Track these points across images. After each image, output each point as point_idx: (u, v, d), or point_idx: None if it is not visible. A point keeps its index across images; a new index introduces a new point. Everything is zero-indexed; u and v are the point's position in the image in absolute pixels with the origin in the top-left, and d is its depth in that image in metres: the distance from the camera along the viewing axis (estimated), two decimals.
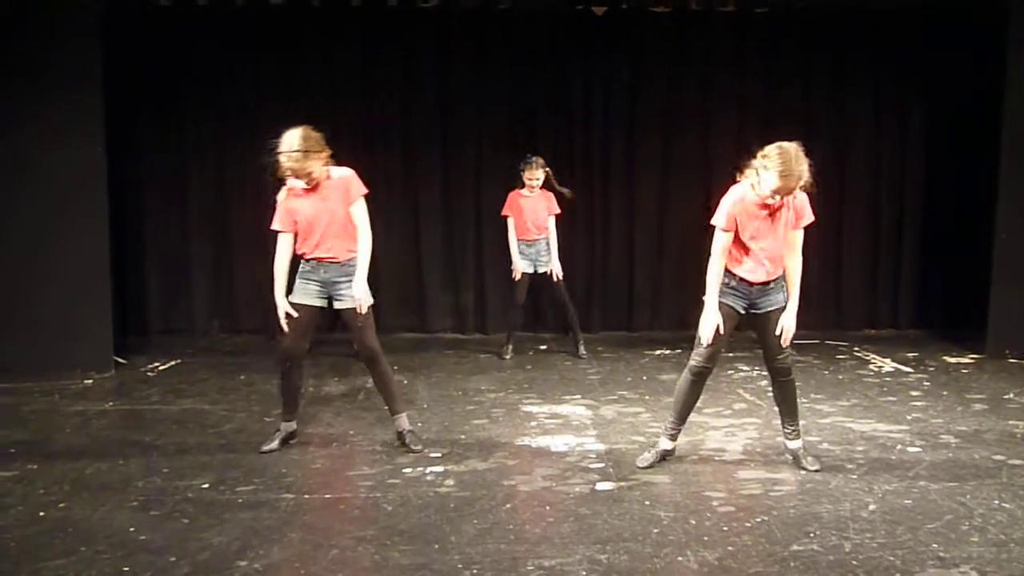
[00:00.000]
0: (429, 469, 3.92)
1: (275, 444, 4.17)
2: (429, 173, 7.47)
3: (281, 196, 4.08)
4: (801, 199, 3.77)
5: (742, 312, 3.81)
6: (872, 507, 3.43)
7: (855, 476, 3.79)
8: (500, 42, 7.36)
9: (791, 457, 3.96)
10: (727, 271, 3.78)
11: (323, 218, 3.99)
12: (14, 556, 3.04)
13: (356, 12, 7.05)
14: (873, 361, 6.39)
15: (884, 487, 3.65)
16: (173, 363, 6.32)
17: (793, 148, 3.59)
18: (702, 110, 7.52)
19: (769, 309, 3.79)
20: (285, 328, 4.04)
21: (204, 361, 6.37)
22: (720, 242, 3.75)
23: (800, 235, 3.80)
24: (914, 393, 5.38)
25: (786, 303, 3.79)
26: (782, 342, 3.76)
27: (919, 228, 7.67)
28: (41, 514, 3.40)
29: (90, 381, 5.67)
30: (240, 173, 7.34)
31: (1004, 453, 4.13)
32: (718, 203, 3.84)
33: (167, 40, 7.04)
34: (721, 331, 3.73)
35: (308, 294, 4.07)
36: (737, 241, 3.75)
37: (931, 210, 7.63)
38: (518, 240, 6.33)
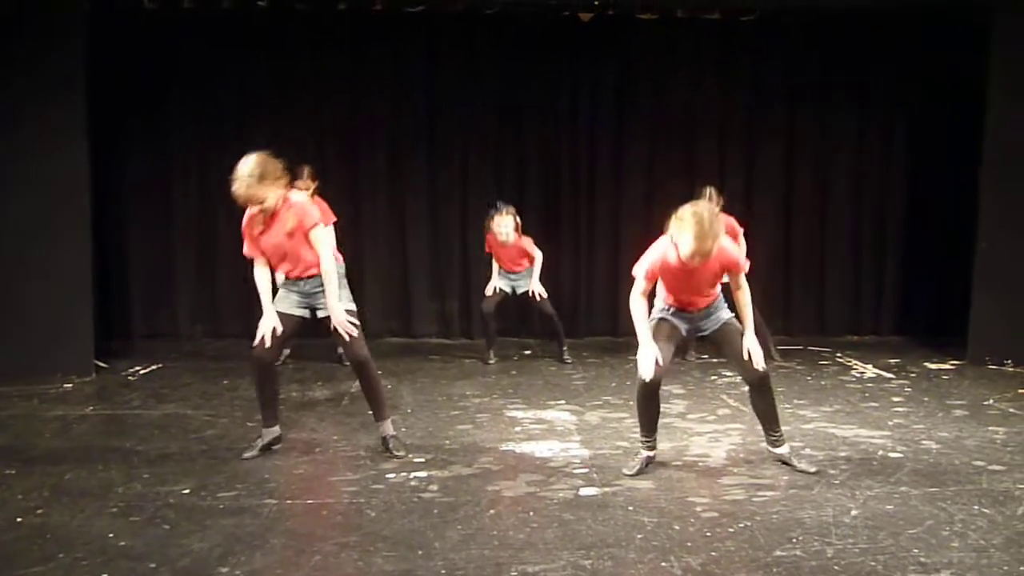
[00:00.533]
0: (413, 474, 3.90)
1: (255, 451, 4.12)
2: (416, 179, 7.47)
3: (245, 221, 4.03)
4: (725, 253, 3.70)
5: (685, 333, 3.89)
6: (854, 513, 3.45)
7: (837, 482, 3.81)
8: (487, 48, 7.38)
9: (783, 463, 3.98)
10: (663, 299, 3.85)
11: (286, 244, 3.97)
12: None
13: (343, 16, 7.05)
14: (855, 367, 6.43)
15: (866, 493, 3.67)
16: (155, 367, 6.27)
17: (707, 210, 3.56)
18: (688, 116, 7.57)
19: (715, 328, 3.86)
20: (264, 339, 3.99)
21: (187, 366, 6.32)
22: (639, 287, 3.80)
23: (740, 278, 3.84)
24: (896, 399, 5.42)
25: (731, 315, 3.85)
26: (755, 365, 3.79)
27: (901, 235, 7.75)
28: (19, 520, 3.36)
29: (70, 385, 5.62)
30: (225, 177, 7.21)
31: (984, 459, 4.16)
32: None
33: (153, 44, 7.01)
34: (660, 361, 3.72)
35: (290, 303, 4.06)
36: (664, 282, 3.81)
37: (913, 218, 7.71)
38: (500, 269, 6.43)
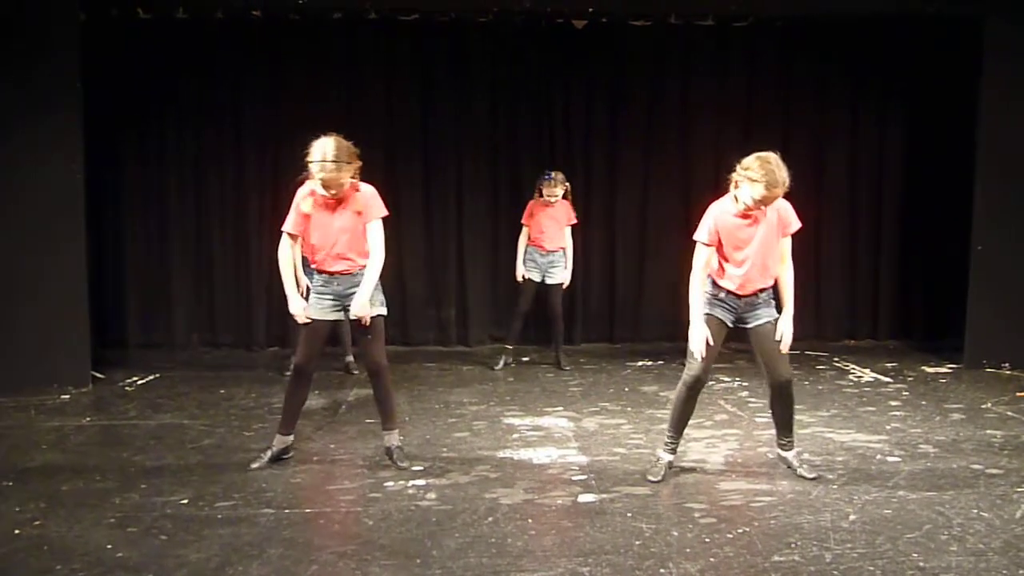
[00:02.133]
0: (411, 483, 3.89)
1: (264, 461, 4.06)
2: (411, 186, 7.47)
3: (303, 202, 3.97)
4: (785, 207, 3.81)
5: (730, 325, 3.83)
6: (852, 517, 3.45)
7: (835, 486, 3.82)
8: (481, 56, 7.39)
9: (786, 465, 3.99)
10: (714, 284, 3.80)
11: (342, 230, 3.93)
12: None
13: (338, 25, 7.07)
14: (852, 371, 6.44)
15: (864, 497, 3.67)
16: (151, 377, 6.25)
17: (774, 157, 3.64)
18: (682, 122, 7.60)
19: (757, 323, 3.80)
20: (300, 320, 3.97)
21: (183, 375, 6.31)
22: (701, 256, 3.77)
23: (788, 243, 3.84)
24: (893, 403, 5.43)
25: (775, 316, 3.81)
26: (781, 348, 3.76)
27: (897, 240, 7.76)
28: (16, 532, 3.34)
29: (67, 396, 5.60)
30: (220, 187, 7.32)
31: (982, 463, 4.17)
32: (700, 214, 3.87)
33: (148, 53, 7.01)
34: (711, 343, 3.74)
35: (323, 309, 4.01)
36: (722, 254, 3.77)
37: (909, 222, 7.74)
38: (531, 247, 6.35)
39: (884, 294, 7.78)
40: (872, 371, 6.42)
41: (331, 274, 3.98)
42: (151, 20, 6.78)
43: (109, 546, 3.20)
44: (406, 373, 6.42)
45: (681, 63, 7.51)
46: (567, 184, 6.36)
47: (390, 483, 3.89)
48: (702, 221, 3.79)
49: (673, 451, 3.98)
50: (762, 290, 3.80)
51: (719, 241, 3.75)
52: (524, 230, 6.41)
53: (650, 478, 3.89)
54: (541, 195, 6.33)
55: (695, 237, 3.81)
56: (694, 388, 3.84)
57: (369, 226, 3.97)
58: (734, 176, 3.70)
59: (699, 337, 3.72)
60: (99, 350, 6.37)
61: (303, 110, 7.31)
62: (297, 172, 6.93)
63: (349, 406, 5.39)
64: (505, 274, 7.60)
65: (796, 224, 3.83)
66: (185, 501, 3.66)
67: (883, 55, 7.51)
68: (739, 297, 3.77)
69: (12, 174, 5.65)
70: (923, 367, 6.56)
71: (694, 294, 3.76)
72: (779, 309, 3.84)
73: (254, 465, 4.06)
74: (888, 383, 6.04)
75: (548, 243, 6.33)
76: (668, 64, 7.51)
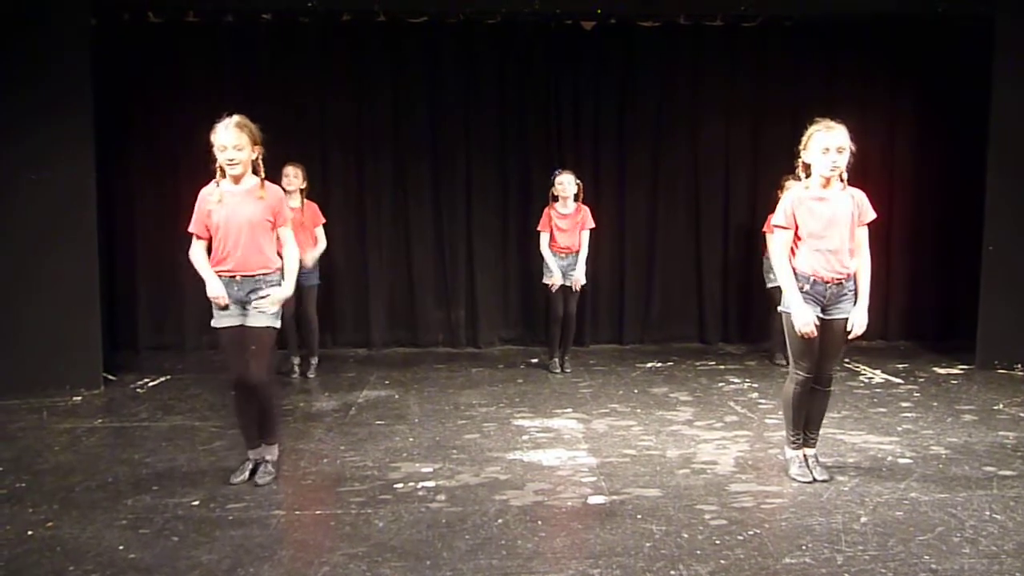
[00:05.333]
0: (420, 484, 3.90)
1: (245, 475, 3.94)
2: (420, 188, 7.49)
3: (206, 195, 3.82)
4: (861, 195, 3.83)
5: (818, 320, 3.74)
6: (864, 519, 3.43)
7: (847, 488, 3.80)
8: (490, 58, 7.40)
9: (804, 463, 3.96)
10: (800, 275, 3.75)
11: (243, 227, 3.75)
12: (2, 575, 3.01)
13: (347, 27, 7.09)
14: (863, 372, 6.41)
15: (876, 499, 3.66)
16: (163, 379, 6.28)
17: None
18: (692, 123, 7.58)
19: (836, 317, 3.77)
20: (221, 303, 3.75)
21: (194, 377, 6.33)
22: (780, 240, 3.76)
23: (865, 233, 3.81)
24: (904, 404, 5.40)
25: (852, 311, 3.77)
26: (853, 334, 3.74)
27: (907, 240, 7.72)
28: (29, 533, 3.37)
29: (79, 398, 5.63)
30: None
31: (994, 464, 4.14)
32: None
33: (158, 56, 7.05)
34: (814, 331, 3.69)
35: (230, 316, 3.81)
36: (799, 237, 3.75)
37: (919, 221, 7.70)
38: (556, 255, 6.30)
39: (894, 295, 7.74)
40: (883, 372, 6.39)
41: (231, 276, 3.78)
42: (161, 24, 6.82)
43: (121, 547, 3.22)
44: (416, 375, 6.43)
45: (690, 64, 7.50)
46: (579, 183, 6.31)
47: (400, 485, 3.90)
48: (778, 207, 3.81)
49: (799, 446, 3.95)
50: (846, 277, 3.75)
51: (796, 225, 3.73)
52: (543, 235, 6.31)
53: (798, 478, 3.86)
54: (555, 199, 6.30)
55: (773, 223, 3.82)
56: (805, 385, 3.81)
57: (280, 231, 3.85)
58: (799, 160, 3.76)
59: (806, 317, 3.65)
60: (110, 352, 6.40)
61: (312, 113, 7.36)
62: (310, 174, 6.96)
63: (359, 408, 5.40)
64: (514, 275, 7.62)
65: (872, 214, 3.82)
66: (197, 503, 3.68)
67: (892, 56, 7.47)
68: (825, 283, 3.72)
69: (24, 176, 5.68)
70: (934, 368, 6.52)
71: (784, 276, 3.72)
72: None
73: (235, 479, 3.91)
74: (899, 384, 6.01)
75: (571, 245, 6.26)
76: (677, 65, 7.50)
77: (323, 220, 6.34)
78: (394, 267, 7.55)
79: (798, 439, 3.96)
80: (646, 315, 7.65)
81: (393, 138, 7.44)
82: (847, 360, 6.84)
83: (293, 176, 6.16)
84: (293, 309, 5.90)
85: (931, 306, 7.70)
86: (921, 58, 7.44)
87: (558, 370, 6.40)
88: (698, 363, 6.75)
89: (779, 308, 3.86)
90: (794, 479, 3.88)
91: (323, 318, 7.38)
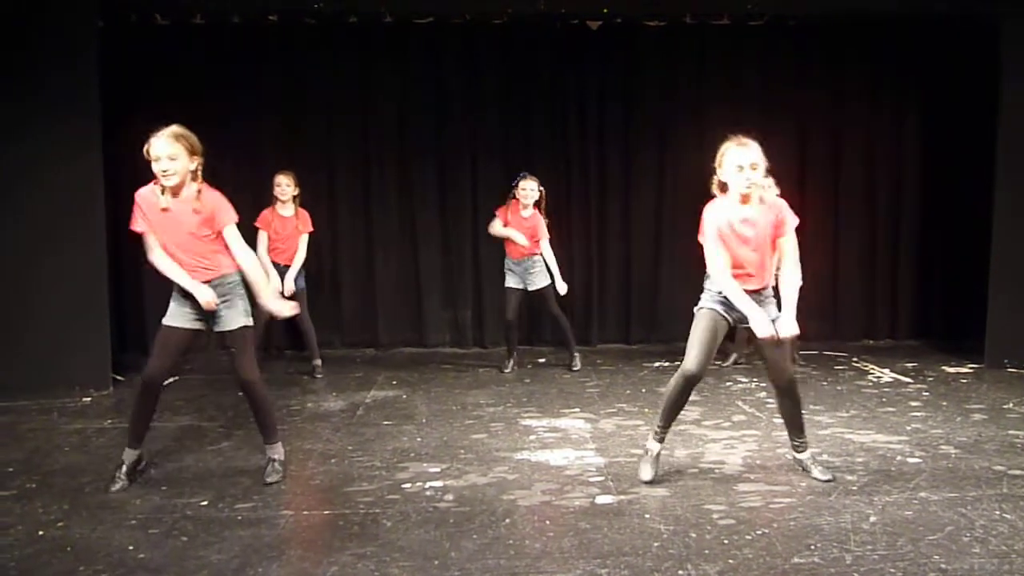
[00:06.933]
0: (428, 484, 3.90)
1: (123, 482, 3.82)
2: (426, 187, 7.50)
3: (146, 195, 3.77)
4: (778, 203, 3.81)
5: (732, 323, 3.82)
6: (873, 519, 3.42)
7: (855, 488, 3.79)
8: (496, 57, 7.41)
9: (801, 468, 3.96)
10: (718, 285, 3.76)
11: (192, 236, 3.70)
12: None
13: (352, 28, 7.10)
14: (872, 372, 6.39)
15: (884, 498, 3.64)
16: (170, 380, 6.28)
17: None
18: (698, 122, 7.55)
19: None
20: (211, 307, 3.69)
21: (201, 378, 6.35)
22: (718, 261, 3.71)
23: (791, 241, 3.77)
24: (913, 403, 5.38)
25: (776, 316, 3.73)
26: (781, 335, 3.67)
27: (916, 238, 7.70)
28: (40, 533, 3.38)
29: (88, 399, 5.66)
30: (237, 188, 7.32)
31: (1004, 463, 4.12)
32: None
33: (165, 58, 7.08)
34: (716, 338, 3.76)
35: (184, 317, 3.77)
36: (725, 247, 3.75)
37: (928, 219, 7.67)
38: (508, 258, 6.32)
39: (903, 293, 7.72)
40: (892, 371, 6.37)
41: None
42: (168, 25, 6.84)
43: (131, 547, 3.24)
44: (422, 375, 6.44)
45: (696, 63, 7.48)
46: (542, 190, 6.29)
47: (407, 485, 3.90)
48: (703, 223, 3.77)
49: (661, 440, 3.94)
50: (763, 288, 3.78)
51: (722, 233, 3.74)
52: (496, 221, 6.28)
53: (642, 478, 3.86)
54: (513, 198, 6.26)
55: (701, 239, 3.79)
56: (690, 382, 3.79)
57: (225, 232, 3.75)
58: (714, 177, 3.78)
59: (763, 320, 3.63)
60: (119, 353, 6.43)
61: (318, 112, 7.37)
62: (317, 175, 6.95)
63: (367, 408, 5.41)
64: None
65: (793, 220, 3.79)
66: (205, 503, 3.69)
67: (900, 54, 7.45)
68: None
69: (32, 177, 5.71)
70: (943, 367, 6.50)
71: (733, 294, 3.68)
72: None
73: (114, 488, 3.79)
74: (908, 383, 5.98)
75: (526, 251, 6.23)
76: (683, 64, 7.49)
77: (311, 229, 6.34)
78: (401, 267, 7.56)
79: (663, 432, 3.91)
80: (653, 315, 7.64)
81: (399, 138, 7.45)
82: (855, 359, 6.82)
83: (285, 184, 6.21)
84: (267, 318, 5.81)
85: (940, 305, 7.67)
86: (929, 57, 7.41)
87: (508, 370, 6.41)
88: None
89: (695, 308, 3.85)
90: (640, 478, 3.85)
91: (331, 318, 7.42)
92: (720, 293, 3.76)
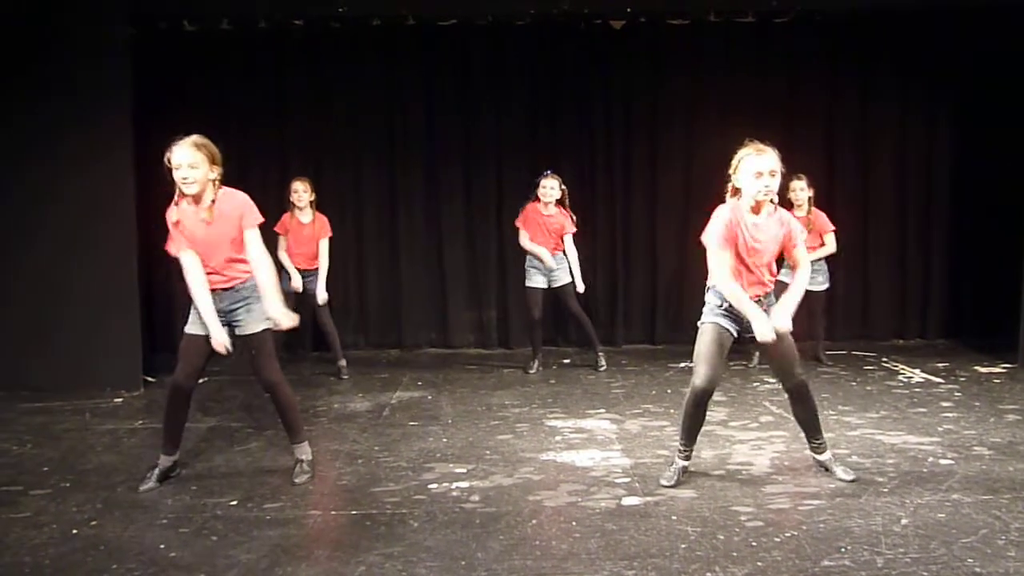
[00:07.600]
0: (454, 485, 3.92)
1: (152, 483, 3.91)
2: (451, 189, 7.52)
3: (171, 217, 3.84)
4: (785, 217, 3.80)
5: (735, 335, 3.79)
6: (904, 521, 3.37)
7: (886, 490, 3.74)
8: (519, 59, 7.41)
9: (823, 469, 3.92)
10: (719, 294, 3.73)
11: (215, 242, 3.74)
12: (48, 573, 3.08)
13: (376, 32, 7.14)
14: (902, 372, 6.30)
15: (916, 501, 3.59)
16: (200, 381, 6.35)
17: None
18: (723, 121, 7.49)
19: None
20: (222, 351, 3.76)
21: (230, 379, 6.42)
22: (722, 265, 3.68)
23: (803, 250, 3.82)
24: (945, 404, 5.30)
25: (773, 308, 3.71)
26: (775, 327, 3.62)
27: (947, 236, 7.58)
28: (74, 532, 3.45)
29: (120, 399, 5.75)
30: (266, 190, 7.42)
31: None
32: None
33: (194, 64, 7.17)
34: (723, 353, 3.73)
35: (203, 326, 3.80)
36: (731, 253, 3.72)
37: (959, 218, 7.54)
38: (531, 256, 6.31)
39: (934, 292, 7.60)
40: (922, 371, 6.27)
41: (212, 290, 3.77)
42: (196, 32, 6.94)
43: (162, 546, 3.29)
44: (448, 376, 6.46)
45: (721, 61, 7.42)
46: (564, 188, 6.29)
47: (434, 485, 3.92)
48: (710, 226, 3.72)
49: (688, 457, 3.93)
50: (765, 294, 3.75)
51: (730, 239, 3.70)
52: (523, 233, 6.30)
53: (663, 482, 3.85)
54: (538, 199, 6.26)
55: (705, 240, 3.73)
56: (702, 399, 3.77)
57: (246, 235, 3.76)
58: (729, 184, 3.74)
59: (765, 325, 3.59)
60: (149, 354, 6.52)
61: (345, 114, 7.43)
62: (343, 177, 6.98)
63: (392, 409, 5.44)
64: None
65: (801, 233, 3.85)
66: (235, 503, 3.74)
67: (930, 50, 7.33)
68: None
69: (65, 181, 5.82)
70: (975, 367, 6.39)
71: (736, 299, 3.66)
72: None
73: (143, 487, 3.87)
74: (939, 383, 5.89)
75: (549, 246, 6.24)
76: (708, 63, 7.43)
77: (330, 234, 6.35)
78: (426, 269, 7.59)
79: (687, 450, 3.89)
80: (678, 315, 7.59)
81: (425, 139, 7.48)
82: (885, 359, 6.73)
83: (302, 191, 6.26)
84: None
85: (971, 303, 7.54)
86: (961, 52, 7.29)
87: (533, 370, 6.41)
88: (732, 363, 6.66)
89: (698, 322, 3.80)
90: (660, 482, 3.83)
91: (356, 319, 7.47)
92: (721, 306, 3.74)
